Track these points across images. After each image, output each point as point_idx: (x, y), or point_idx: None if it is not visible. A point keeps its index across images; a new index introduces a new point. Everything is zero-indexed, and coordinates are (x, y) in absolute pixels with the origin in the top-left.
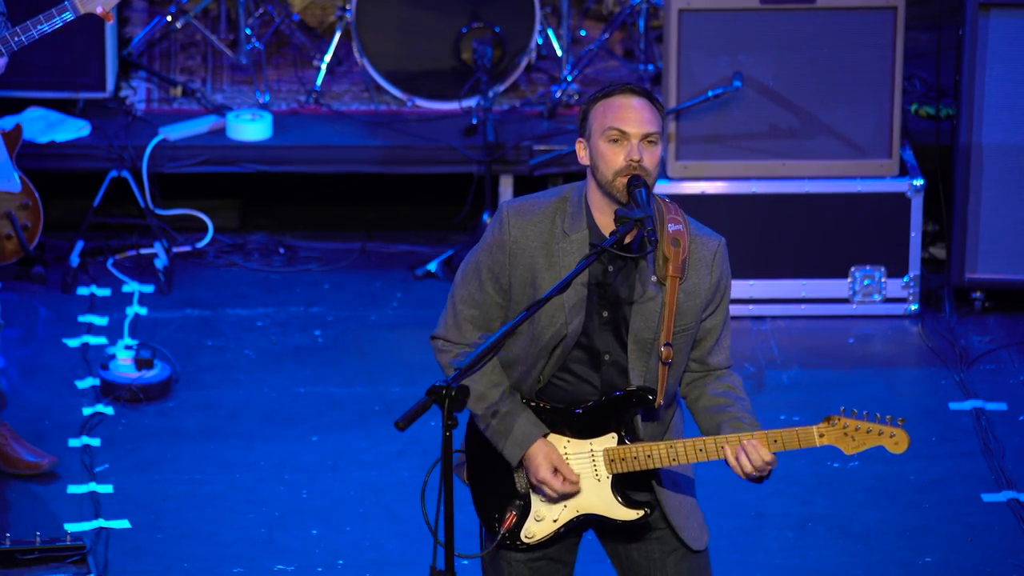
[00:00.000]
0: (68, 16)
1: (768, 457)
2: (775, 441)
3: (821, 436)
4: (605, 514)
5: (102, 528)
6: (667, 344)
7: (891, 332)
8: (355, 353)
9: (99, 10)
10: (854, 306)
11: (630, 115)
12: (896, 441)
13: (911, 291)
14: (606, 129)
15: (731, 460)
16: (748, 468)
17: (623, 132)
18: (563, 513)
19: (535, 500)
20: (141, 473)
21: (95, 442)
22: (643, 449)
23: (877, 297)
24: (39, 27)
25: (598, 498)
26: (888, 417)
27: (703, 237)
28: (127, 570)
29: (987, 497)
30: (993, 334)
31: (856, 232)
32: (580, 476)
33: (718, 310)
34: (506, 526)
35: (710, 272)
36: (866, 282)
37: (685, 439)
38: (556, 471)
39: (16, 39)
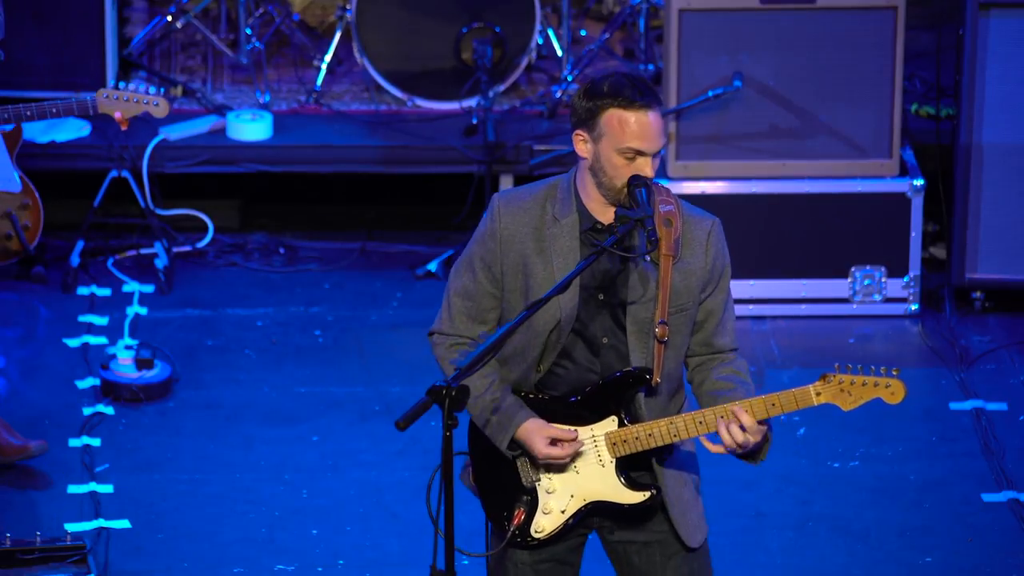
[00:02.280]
0: (87, 112)
1: (748, 422)
2: (773, 405)
3: (818, 395)
4: (611, 499)
5: (102, 528)
6: (662, 322)
7: (891, 332)
8: (355, 353)
9: (117, 115)
10: (854, 306)
11: (648, 134)
12: (892, 391)
13: (911, 291)
14: (624, 148)
15: (723, 434)
16: (740, 438)
17: (640, 152)
18: (570, 503)
19: (541, 494)
20: (141, 473)
21: (95, 442)
22: (644, 429)
23: (877, 297)
24: (53, 110)
25: (603, 484)
26: (883, 368)
27: (696, 217)
28: (127, 570)
29: (987, 497)
30: (993, 334)
31: (856, 232)
32: (584, 464)
33: (717, 290)
34: (516, 523)
35: (705, 252)
36: (866, 282)
37: (684, 414)
38: (553, 441)
39: (28, 112)
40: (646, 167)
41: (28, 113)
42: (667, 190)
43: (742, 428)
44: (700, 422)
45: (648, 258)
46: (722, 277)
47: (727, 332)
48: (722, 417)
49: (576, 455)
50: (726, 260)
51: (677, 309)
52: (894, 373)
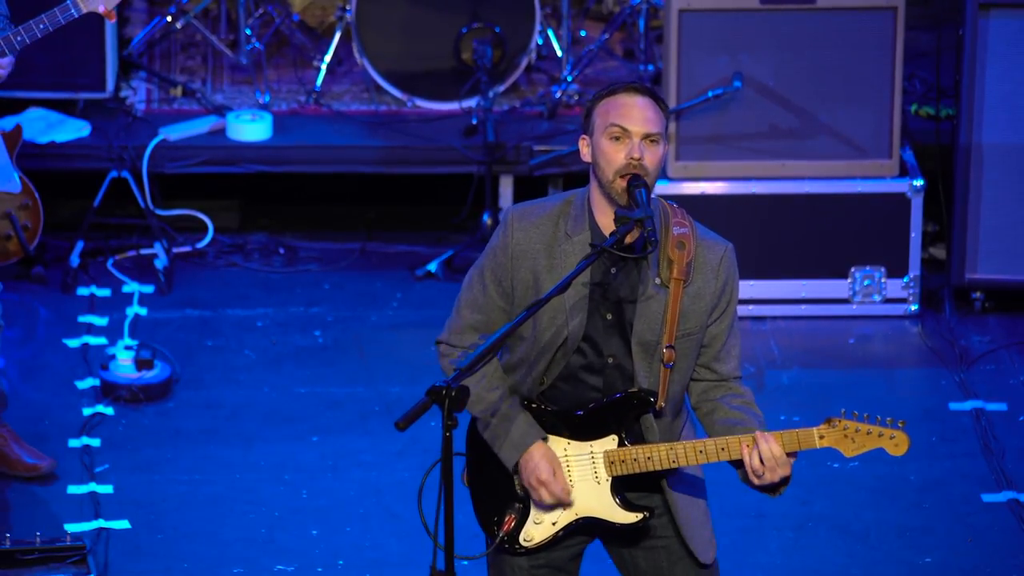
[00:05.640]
0: (70, 15)
1: (778, 452)
2: (775, 439)
3: (821, 438)
4: (604, 517)
5: (102, 528)
6: (669, 347)
7: (891, 332)
8: (355, 353)
9: (101, 8)
10: (854, 306)
11: (633, 113)
12: (896, 443)
13: (911, 291)
14: (608, 126)
15: (745, 458)
16: (756, 463)
17: (624, 129)
18: (562, 516)
19: (534, 504)
20: (141, 473)
21: (95, 442)
22: (643, 451)
23: (877, 297)
24: (41, 27)
25: (597, 501)
26: (889, 419)
27: (710, 241)
28: (127, 570)
29: (987, 497)
30: (993, 334)
31: (856, 232)
32: (579, 479)
33: (724, 315)
34: (505, 529)
35: (716, 276)
36: (866, 282)
37: (685, 441)
38: (556, 473)
39: (19, 39)
40: (634, 150)
41: (19, 39)
42: (682, 211)
43: (761, 460)
44: (700, 451)
45: (658, 279)
46: (729, 303)
47: (731, 359)
48: (747, 445)
49: (572, 469)
50: (736, 286)
51: (684, 333)
52: (900, 425)
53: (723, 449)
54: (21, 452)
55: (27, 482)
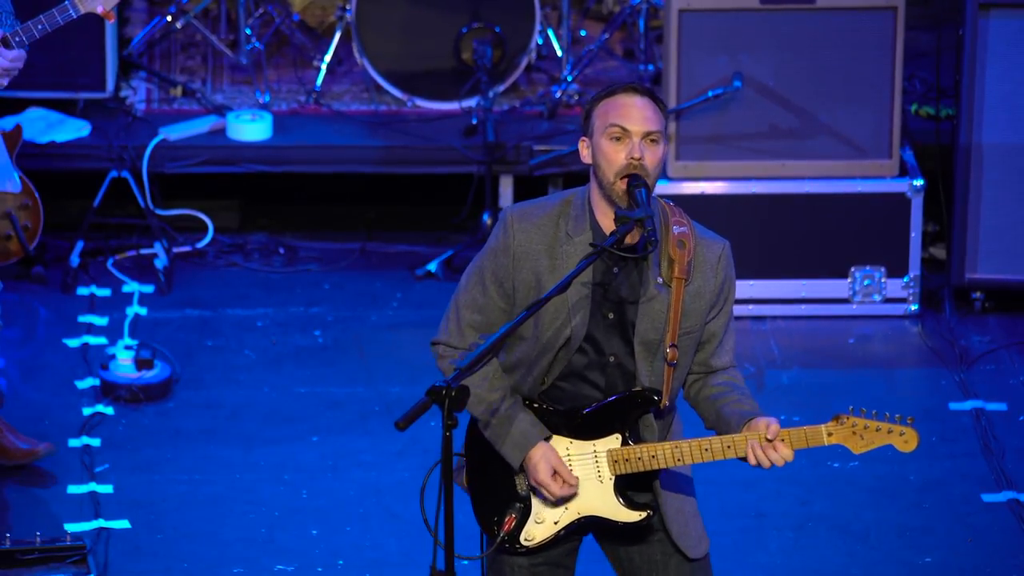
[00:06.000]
0: (69, 15)
1: (786, 453)
2: (782, 440)
3: (830, 435)
4: (607, 516)
5: (102, 528)
6: (672, 345)
7: (891, 332)
8: (355, 353)
9: (100, 9)
10: (854, 306)
11: (632, 112)
12: (906, 440)
13: (911, 291)
14: (608, 127)
15: (751, 457)
16: (764, 462)
17: (624, 129)
18: (564, 515)
19: (535, 502)
20: (141, 473)
21: (95, 442)
22: (647, 450)
23: (877, 297)
24: (39, 27)
25: (600, 500)
26: (897, 416)
27: (708, 240)
28: (127, 570)
29: (987, 497)
30: (993, 334)
31: (856, 232)
32: (582, 478)
33: (721, 313)
34: (506, 529)
35: (715, 274)
36: (866, 282)
37: (690, 439)
38: (555, 474)
39: (16, 39)
40: (635, 150)
41: (18, 39)
42: (680, 211)
43: (768, 457)
44: (706, 449)
45: (660, 278)
46: (727, 300)
47: (725, 353)
48: (738, 443)
49: (574, 468)
50: (733, 284)
51: (685, 332)
52: (908, 422)
53: (729, 447)
54: (15, 440)
55: (27, 481)
